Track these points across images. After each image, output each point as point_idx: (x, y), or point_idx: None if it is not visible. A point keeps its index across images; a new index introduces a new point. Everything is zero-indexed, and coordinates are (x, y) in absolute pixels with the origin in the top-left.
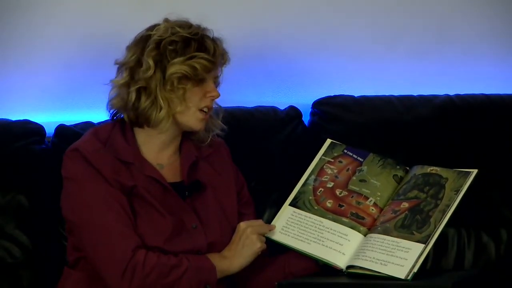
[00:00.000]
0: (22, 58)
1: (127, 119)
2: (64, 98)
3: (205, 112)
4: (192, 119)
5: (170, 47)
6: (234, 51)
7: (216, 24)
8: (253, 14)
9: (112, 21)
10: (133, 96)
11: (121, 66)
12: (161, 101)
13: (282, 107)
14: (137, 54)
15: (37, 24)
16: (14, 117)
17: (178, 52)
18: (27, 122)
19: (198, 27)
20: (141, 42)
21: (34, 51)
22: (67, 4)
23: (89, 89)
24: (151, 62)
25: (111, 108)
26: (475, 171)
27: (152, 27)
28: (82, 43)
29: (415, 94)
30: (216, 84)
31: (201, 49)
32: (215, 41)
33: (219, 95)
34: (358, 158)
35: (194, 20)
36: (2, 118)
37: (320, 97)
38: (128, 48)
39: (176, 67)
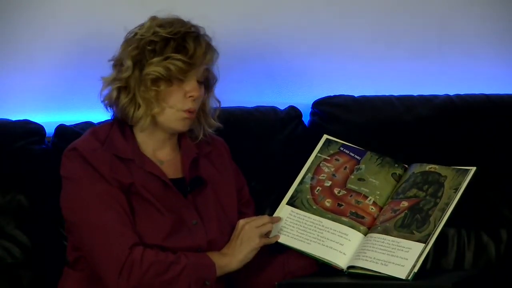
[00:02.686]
0: (22, 58)
1: (116, 115)
2: (64, 98)
3: (189, 112)
4: (171, 120)
5: (148, 47)
6: (234, 51)
7: (216, 24)
8: (253, 14)
9: (112, 21)
10: (114, 93)
11: (112, 63)
12: (139, 100)
13: (282, 107)
14: (122, 53)
15: (37, 24)
16: (14, 117)
17: (157, 52)
18: (27, 122)
19: (182, 25)
20: (128, 40)
21: (34, 51)
22: (67, 4)
23: (89, 89)
24: (129, 63)
25: (105, 105)
26: (473, 168)
27: (140, 26)
28: (82, 43)
29: (415, 94)
30: (210, 82)
31: (179, 49)
32: (198, 40)
33: (199, 95)
34: (355, 156)
35: (193, 19)
36: (2, 118)
37: (320, 97)
38: (121, 45)
39: (151, 67)
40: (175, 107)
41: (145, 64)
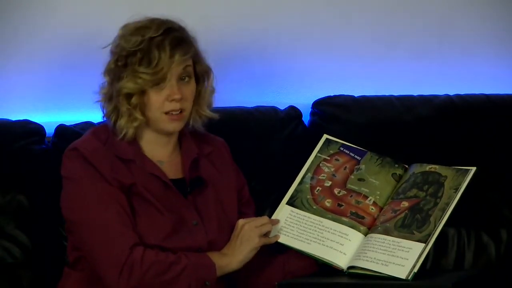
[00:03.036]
0: (22, 58)
1: None
2: (64, 98)
3: (175, 114)
4: (159, 124)
5: (119, 63)
6: (234, 51)
7: (216, 24)
8: (253, 14)
9: (112, 21)
10: (101, 104)
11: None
12: (121, 111)
13: (282, 107)
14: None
15: (37, 24)
16: (14, 117)
17: (127, 65)
18: (27, 122)
19: (149, 31)
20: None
21: (34, 51)
22: (67, 4)
23: (89, 89)
24: (107, 78)
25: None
26: (473, 168)
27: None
28: (82, 43)
29: (415, 94)
30: (203, 75)
31: (144, 61)
32: (163, 45)
33: (181, 96)
34: (355, 156)
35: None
36: (2, 118)
37: (320, 97)
38: None
39: (123, 83)
40: (157, 112)
41: (120, 77)
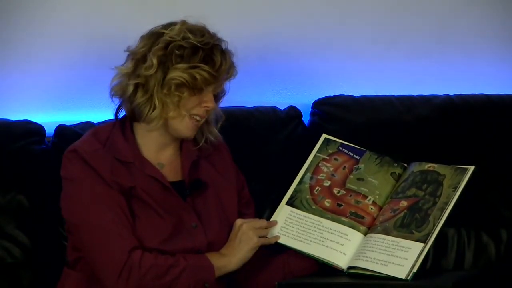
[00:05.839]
0: (22, 58)
1: (125, 110)
2: (64, 98)
3: (197, 120)
4: (182, 125)
5: (177, 52)
6: (234, 51)
7: (217, 24)
8: (254, 14)
9: (112, 21)
10: (130, 88)
11: (129, 54)
12: (156, 101)
13: (282, 107)
14: (145, 49)
15: (37, 24)
16: (14, 117)
17: (184, 58)
18: (27, 122)
19: (211, 36)
20: (153, 37)
21: (34, 51)
22: (67, 4)
23: (89, 89)
24: (154, 61)
25: (112, 95)
26: (472, 167)
27: (168, 25)
28: (82, 43)
29: (415, 94)
30: (219, 95)
31: (207, 60)
32: (224, 54)
33: (214, 107)
34: (354, 156)
35: (193, 19)
36: (2, 118)
37: (320, 97)
38: (141, 39)
39: (177, 73)
40: (188, 112)
41: (169, 67)
